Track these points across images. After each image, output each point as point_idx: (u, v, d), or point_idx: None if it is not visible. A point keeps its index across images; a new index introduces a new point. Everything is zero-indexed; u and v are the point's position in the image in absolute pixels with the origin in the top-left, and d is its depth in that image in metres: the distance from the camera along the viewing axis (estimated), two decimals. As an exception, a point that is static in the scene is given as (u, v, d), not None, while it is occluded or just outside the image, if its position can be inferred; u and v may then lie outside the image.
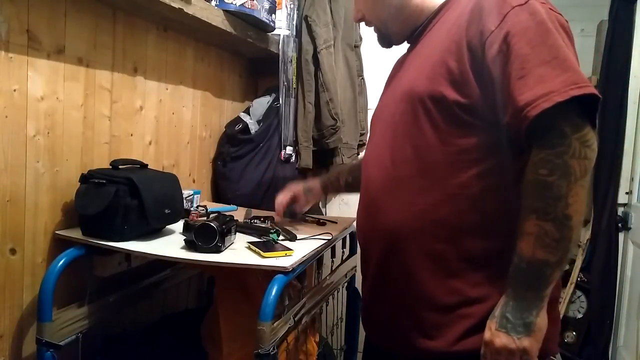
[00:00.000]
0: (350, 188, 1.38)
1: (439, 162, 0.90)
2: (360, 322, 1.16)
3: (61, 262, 1.15)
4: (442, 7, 1.01)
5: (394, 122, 0.98)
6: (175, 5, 1.35)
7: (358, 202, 1.09)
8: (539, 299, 0.80)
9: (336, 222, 1.56)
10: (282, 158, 1.93)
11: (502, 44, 0.81)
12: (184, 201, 1.48)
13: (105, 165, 1.33)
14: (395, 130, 0.97)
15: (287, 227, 1.40)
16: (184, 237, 1.17)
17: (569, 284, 2.39)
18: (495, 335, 0.82)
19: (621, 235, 2.31)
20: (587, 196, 0.87)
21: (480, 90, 0.85)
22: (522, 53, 0.79)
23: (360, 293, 1.16)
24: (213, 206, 1.71)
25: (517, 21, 0.81)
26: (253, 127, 1.89)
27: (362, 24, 1.14)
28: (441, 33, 0.94)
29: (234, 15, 1.62)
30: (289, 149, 1.94)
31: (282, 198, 1.44)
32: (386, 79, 1.17)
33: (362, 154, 1.38)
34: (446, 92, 0.87)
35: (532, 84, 0.78)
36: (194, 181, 1.84)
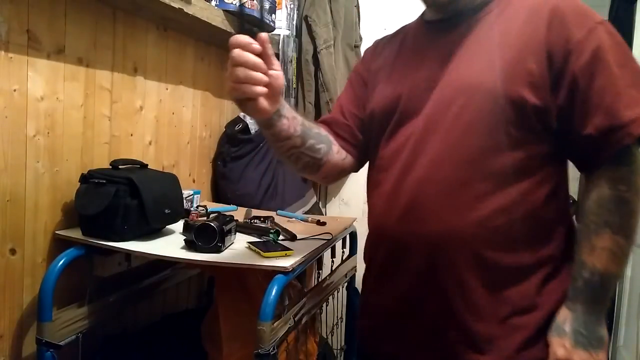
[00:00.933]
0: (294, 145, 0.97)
1: (505, 167, 0.85)
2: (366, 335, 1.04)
3: (61, 262, 1.15)
4: (489, 1, 0.92)
5: (452, 116, 0.87)
6: (175, 5, 1.35)
7: (379, 203, 0.96)
8: (603, 311, 0.82)
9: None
10: (282, 158, 1.93)
11: (592, 56, 0.81)
12: (184, 201, 1.48)
13: (105, 165, 1.33)
14: (453, 126, 0.87)
15: (287, 227, 1.40)
16: (184, 237, 1.17)
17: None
18: (573, 352, 0.81)
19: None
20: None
21: (552, 96, 0.83)
22: (614, 71, 0.81)
23: (365, 300, 1.04)
24: (213, 206, 1.71)
25: (603, 38, 0.82)
26: (253, 127, 1.89)
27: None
28: (506, 29, 0.87)
29: (234, 15, 1.62)
30: (289, 149, 1.93)
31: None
32: (380, 57, 1.05)
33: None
34: (526, 94, 0.83)
35: (633, 103, 0.80)
36: (194, 181, 1.84)
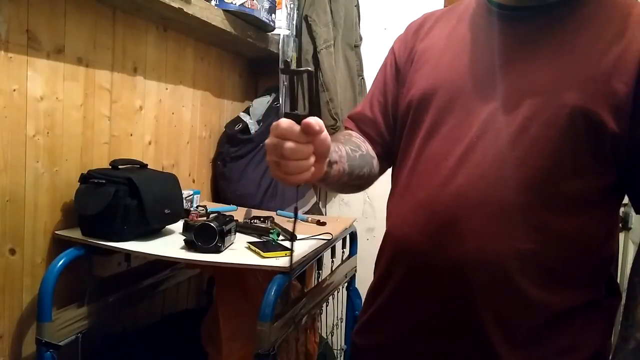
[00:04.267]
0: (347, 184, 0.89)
1: (570, 196, 0.74)
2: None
3: (61, 262, 1.15)
4: None
5: (516, 127, 0.74)
6: (175, 5, 1.35)
7: (404, 212, 0.84)
8: None
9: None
10: (282, 158, 1.92)
11: None
12: (184, 201, 1.48)
13: (105, 165, 1.33)
14: (516, 139, 0.74)
15: (287, 227, 1.40)
16: (184, 237, 1.17)
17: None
18: None
19: (621, 235, 2.30)
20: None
21: (630, 123, 0.72)
22: None
23: (375, 317, 0.90)
24: (213, 206, 1.71)
25: None
26: (253, 127, 1.89)
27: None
28: (595, 36, 0.75)
29: (234, 15, 1.62)
30: (289, 149, 1.93)
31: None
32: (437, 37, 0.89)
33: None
34: (606, 118, 0.71)
35: None
36: (193, 181, 1.84)
